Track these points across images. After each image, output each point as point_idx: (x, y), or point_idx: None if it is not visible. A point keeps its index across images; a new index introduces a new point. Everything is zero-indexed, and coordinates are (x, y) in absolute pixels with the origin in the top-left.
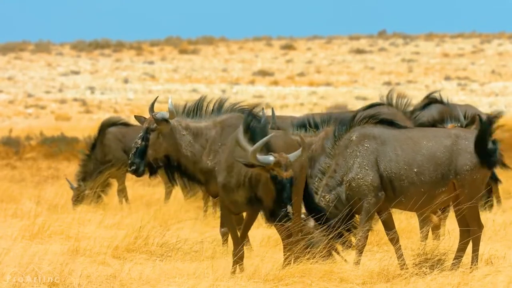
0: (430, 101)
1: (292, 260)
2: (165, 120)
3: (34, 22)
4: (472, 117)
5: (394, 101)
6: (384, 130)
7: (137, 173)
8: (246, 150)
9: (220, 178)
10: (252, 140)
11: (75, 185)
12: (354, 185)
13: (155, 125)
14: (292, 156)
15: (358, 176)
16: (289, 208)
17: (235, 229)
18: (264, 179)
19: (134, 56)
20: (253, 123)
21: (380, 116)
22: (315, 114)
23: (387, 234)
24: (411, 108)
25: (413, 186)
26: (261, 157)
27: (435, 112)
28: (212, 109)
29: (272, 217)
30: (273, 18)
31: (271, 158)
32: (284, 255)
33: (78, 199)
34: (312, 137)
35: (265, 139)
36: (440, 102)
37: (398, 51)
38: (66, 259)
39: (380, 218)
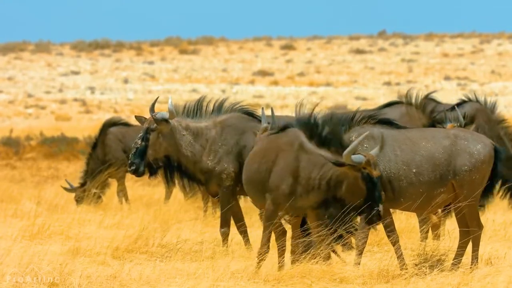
0: (464, 99)
1: (290, 261)
2: (165, 120)
3: (34, 22)
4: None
5: (413, 100)
6: (383, 131)
7: (137, 173)
8: (318, 155)
9: (284, 185)
10: (324, 144)
11: (76, 185)
12: None
13: (155, 125)
14: (374, 153)
15: None
16: (381, 207)
17: (271, 231)
18: (351, 179)
19: (134, 56)
20: (320, 128)
21: (379, 116)
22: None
23: (388, 236)
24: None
25: (412, 187)
26: (355, 157)
27: (470, 111)
28: (212, 109)
29: (359, 216)
30: (273, 18)
31: (362, 157)
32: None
33: (80, 198)
34: None
35: (360, 138)
36: (476, 100)
37: (398, 51)
38: (66, 259)
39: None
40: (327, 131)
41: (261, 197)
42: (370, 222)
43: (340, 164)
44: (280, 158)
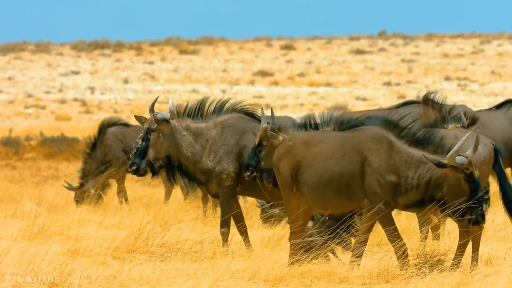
0: (508, 100)
1: (289, 261)
2: (166, 121)
3: (34, 22)
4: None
5: (430, 100)
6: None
7: (138, 173)
8: (411, 154)
9: (390, 183)
10: (418, 144)
11: (76, 185)
12: None
13: (155, 125)
14: (470, 153)
15: None
16: (485, 207)
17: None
18: (453, 180)
19: (134, 56)
20: (413, 128)
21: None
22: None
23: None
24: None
25: None
26: (458, 158)
27: None
28: (213, 110)
29: (462, 216)
30: (273, 18)
31: (464, 158)
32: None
33: (80, 198)
34: None
35: (463, 139)
36: None
37: (398, 52)
38: (66, 259)
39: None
40: (422, 131)
41: (339, 200)
42: (475, 222)
43: (443, 165)
44: (372, 158)
